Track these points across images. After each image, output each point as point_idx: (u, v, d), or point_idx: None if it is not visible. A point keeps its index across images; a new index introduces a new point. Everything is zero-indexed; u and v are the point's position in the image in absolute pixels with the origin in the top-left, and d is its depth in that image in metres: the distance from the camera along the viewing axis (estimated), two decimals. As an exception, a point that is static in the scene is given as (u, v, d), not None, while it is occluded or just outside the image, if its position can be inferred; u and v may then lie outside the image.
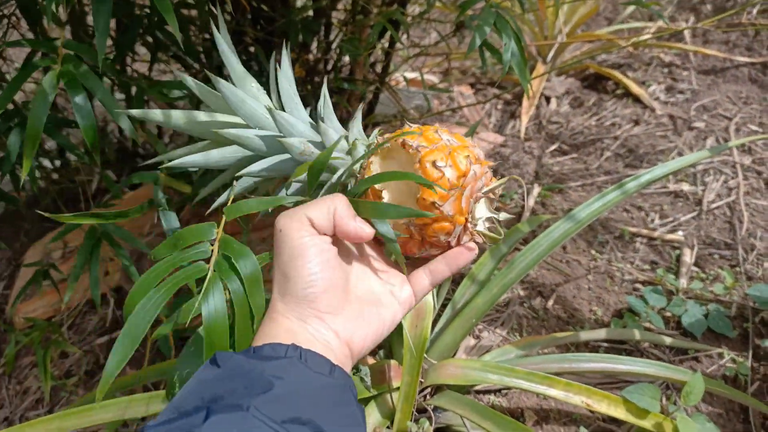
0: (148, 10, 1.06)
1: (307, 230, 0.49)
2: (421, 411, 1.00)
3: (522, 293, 1.38)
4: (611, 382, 1.14)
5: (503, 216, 0.57)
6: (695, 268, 1.38)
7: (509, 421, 0.86)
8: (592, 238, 1.50)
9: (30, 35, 1.11)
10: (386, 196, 0.56)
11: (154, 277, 0.52)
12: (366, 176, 0.55)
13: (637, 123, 1.89)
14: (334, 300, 0.50)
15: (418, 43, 2.20)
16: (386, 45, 1.62)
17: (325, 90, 0.60)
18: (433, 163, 0.53)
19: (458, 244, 0.56)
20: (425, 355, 0.90)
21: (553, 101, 2.11)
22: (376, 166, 0.57)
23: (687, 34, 2.24)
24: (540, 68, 2.19)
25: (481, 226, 0.56)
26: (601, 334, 1.17)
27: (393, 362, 1.00)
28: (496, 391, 1.14)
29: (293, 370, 0.44)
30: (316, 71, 1.58)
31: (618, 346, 1.22)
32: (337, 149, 0.57)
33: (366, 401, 0.96)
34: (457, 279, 1.30)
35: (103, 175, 1.09)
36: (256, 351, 0.46)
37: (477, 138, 1.92)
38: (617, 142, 1.83)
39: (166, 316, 1.21)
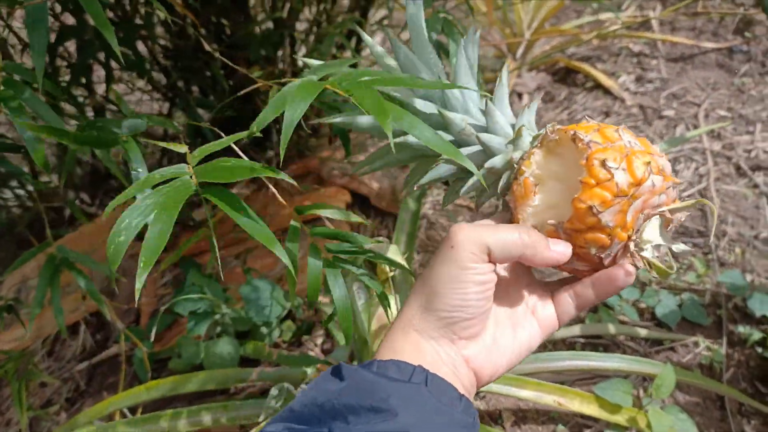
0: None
1: (481, 257, 0.45)
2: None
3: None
4: (589, 378, 1.14)
5: (680, 248, 0.47)
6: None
7: (481, 427, 0.86)
8: (567, 234, 1.50)
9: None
10: (539, 193, 0.49)
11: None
12: (524, 169, 0.49)
13: (607, 115, 1.89)
14: (475, 328, 0.47)
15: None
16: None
17: (504, 72, 0.55)
18: (603, 162, 0.44)
19: (613, 264, 0.48)
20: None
21: (525, 97, 2.12)
22: (538, 159, 0.50)
23: (655, 23, 2.25)
24: (510, 65, 2.20)
25: (649, 253, 0.47)
26: (575, 330, 1.17)
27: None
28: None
29: (419, 398, 0.42)
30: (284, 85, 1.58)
31: (595, 341, 1.22)
32: (499, 136, 0.52)
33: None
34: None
35: (66, 200, 1.08)
36: (380, 367, 0.44)
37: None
38: (589, 135, 1.83)
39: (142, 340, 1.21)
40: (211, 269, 1.35)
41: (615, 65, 2.14)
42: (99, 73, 1.36)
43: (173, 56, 1.41)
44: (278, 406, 0.92)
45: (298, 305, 1.23)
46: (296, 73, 1.63)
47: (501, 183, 0.52)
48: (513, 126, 0.53)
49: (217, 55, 0.85)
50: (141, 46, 1.30)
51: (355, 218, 0.67)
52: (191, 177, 0.49)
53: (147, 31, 1.16)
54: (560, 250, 0.47)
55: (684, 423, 0.93)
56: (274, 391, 0.93)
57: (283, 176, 0.49)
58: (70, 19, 1.09)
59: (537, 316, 0.50)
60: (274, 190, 0.63)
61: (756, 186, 1.52)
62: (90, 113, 1.38)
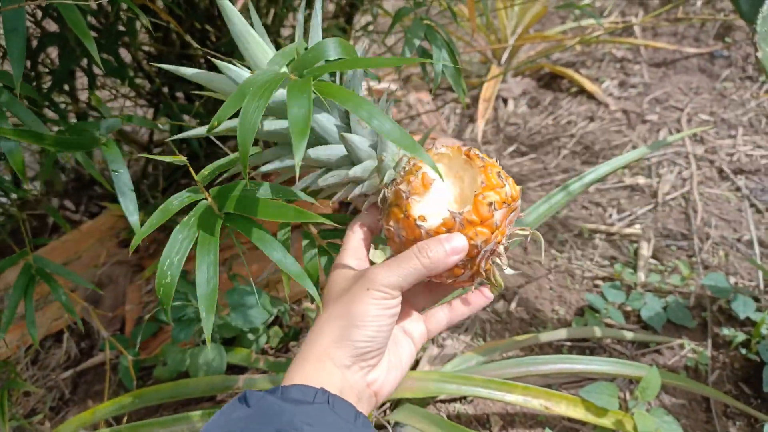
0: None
1: (393, 294, 0.51)
2: (381, 427, 0.99)
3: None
4: (576, 381, 1.15)
5: (508, 271, 0.57)
6: (653, 261, 1.39)
7: None
8: (552, 237, 1.51)
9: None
10: (431, 189, 0.55)
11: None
12: (411, 176, 0.55)
13: (592, 120, 1.91)
14: (380, 357, 0.53)
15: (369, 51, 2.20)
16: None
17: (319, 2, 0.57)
18: (498, 174, 0.54)
19: (474, 272, 0.55)
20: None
21: (511, 102, 2.13)
22: (427, 168, 0.56)
23: (637, 28, 2.27)
24: (495, 70, 2.21)
25: (505, 260, 0.56)
26: (561, 334, 1.18)
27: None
28: (462, 399, 1.14)
29: (322, 418, 0.45)
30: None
31: (581, 345, 1.23)
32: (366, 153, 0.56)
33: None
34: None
35: (47, 207, 1.07)
36: (284, 392, 0.47)
37: (436, 144, 1.92)
38: (574, 139, 1.85)
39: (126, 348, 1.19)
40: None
41: (599, 70, 2.16)
42: (83, 80, 1.35)
43: (157, 62, 1.40)
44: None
45: (284, 311, 1.22)
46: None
47: (385, 178, 0.56)
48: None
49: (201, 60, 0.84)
50: (125, 53, 1.30)
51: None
52: (208, 201, 0.51)
53: (129, 38, 1.15)
54: (460, 245, 0.52)
55: (670, 425, 0.94)
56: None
57: (325, 221, 0.52)
58: (52, 26, 1.09)
59: (410, 335, 0.58)
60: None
61: (738, 189, 1.54)
62: (73, 120, 1.37)
